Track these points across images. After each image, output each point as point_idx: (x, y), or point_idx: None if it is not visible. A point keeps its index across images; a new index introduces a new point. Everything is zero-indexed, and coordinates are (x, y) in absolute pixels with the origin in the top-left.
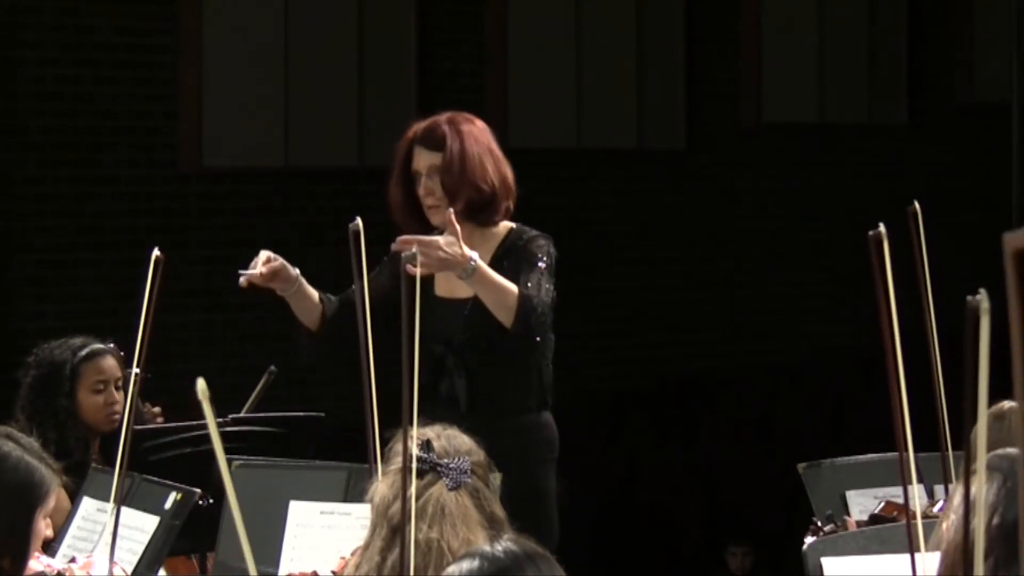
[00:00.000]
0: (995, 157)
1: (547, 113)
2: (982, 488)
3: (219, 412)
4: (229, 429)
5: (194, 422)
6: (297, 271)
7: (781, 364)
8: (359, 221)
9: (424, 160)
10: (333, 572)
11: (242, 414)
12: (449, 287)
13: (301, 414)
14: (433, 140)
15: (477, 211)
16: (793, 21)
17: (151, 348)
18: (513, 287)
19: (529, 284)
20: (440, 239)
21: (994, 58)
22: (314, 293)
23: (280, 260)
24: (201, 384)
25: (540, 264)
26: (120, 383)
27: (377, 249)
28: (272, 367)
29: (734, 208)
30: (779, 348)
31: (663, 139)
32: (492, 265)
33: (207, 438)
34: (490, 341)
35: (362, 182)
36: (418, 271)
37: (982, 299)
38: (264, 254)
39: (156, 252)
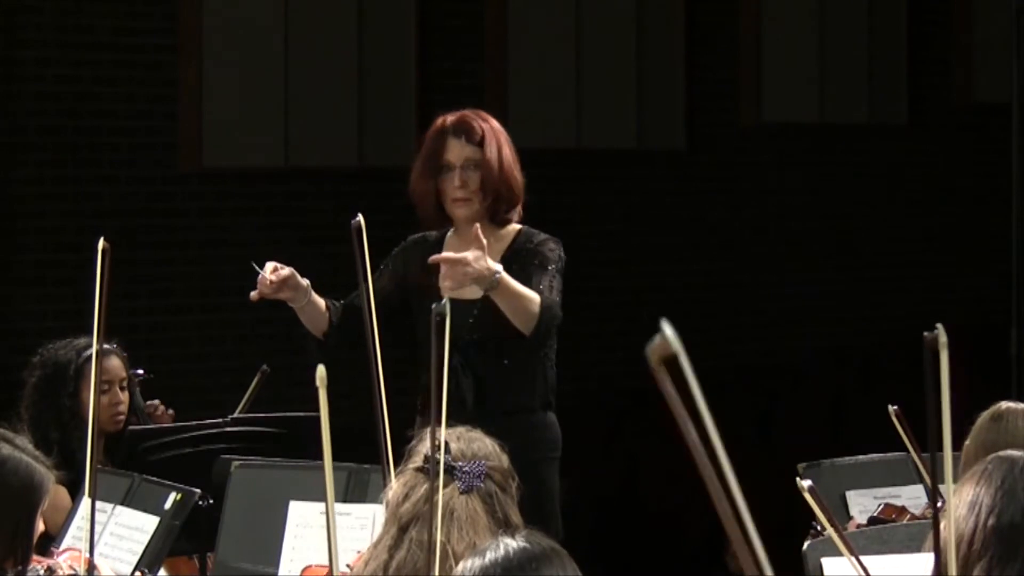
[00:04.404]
0: (995, 157)
1: (547, 113)
2: (951, 514)
3: (219, 413)
4: (229, 429)
5: (194, 422)
6: (307, 282)
7: (781, 364)
8: (361, 217)
9: (459, 152)
10: (348, 566)
11: (240, 414)
12: None
13: (301, 414)
14: (469, 133)
15: (501, 209)
16: (793, 21)
17: (151, 348)
18: (535, 295)
19: (542, 287)
20: (468, 255)
21: (994, 58)
22: (322, 302)
23: (288, 269)
24: (321, 371)
25: (551, 267)
26: (124, 383)
27: (376, 249)
28: (264, 366)
29: (734, 208)
30: (779, 348)
31: (663, 139)
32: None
33: (206, 438)
34: (497, 342)
35: (362, 182)
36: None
37: (939, 334)
38: (271, 264)
39: (102, 242)
